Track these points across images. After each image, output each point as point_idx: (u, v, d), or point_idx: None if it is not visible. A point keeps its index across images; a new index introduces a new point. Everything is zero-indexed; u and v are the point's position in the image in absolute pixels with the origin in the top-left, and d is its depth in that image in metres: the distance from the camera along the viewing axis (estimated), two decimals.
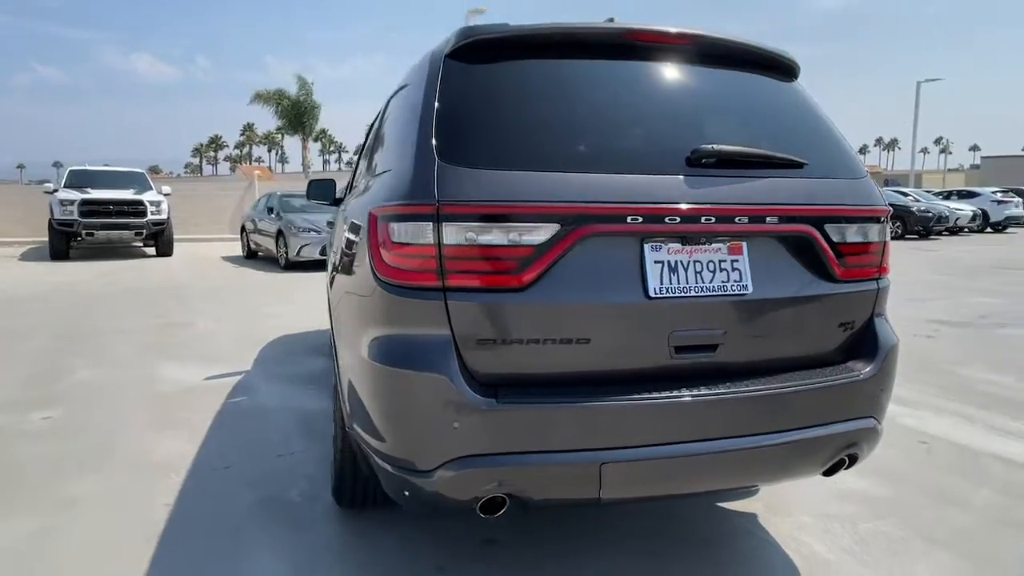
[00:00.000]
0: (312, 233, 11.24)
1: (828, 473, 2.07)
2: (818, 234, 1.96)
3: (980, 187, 27.22)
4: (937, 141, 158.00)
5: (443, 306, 1.73)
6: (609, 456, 1.75)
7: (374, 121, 3.77)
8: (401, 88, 2.56)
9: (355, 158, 4.22)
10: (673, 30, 2.04)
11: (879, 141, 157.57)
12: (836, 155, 2.11)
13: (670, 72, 2.08)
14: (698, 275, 1.84)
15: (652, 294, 1.79)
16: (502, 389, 1.74)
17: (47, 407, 3.93)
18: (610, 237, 1.78)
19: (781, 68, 2.25)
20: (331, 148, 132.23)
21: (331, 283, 2.55)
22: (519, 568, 2.28)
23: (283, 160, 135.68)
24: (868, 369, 2.02)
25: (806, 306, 1.99)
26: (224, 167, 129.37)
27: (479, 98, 1.92)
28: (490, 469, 1.73)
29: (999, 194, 23.90)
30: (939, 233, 20.63)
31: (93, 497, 2.76)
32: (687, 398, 1.79)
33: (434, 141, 1.80)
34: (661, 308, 1.81)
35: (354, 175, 3.88)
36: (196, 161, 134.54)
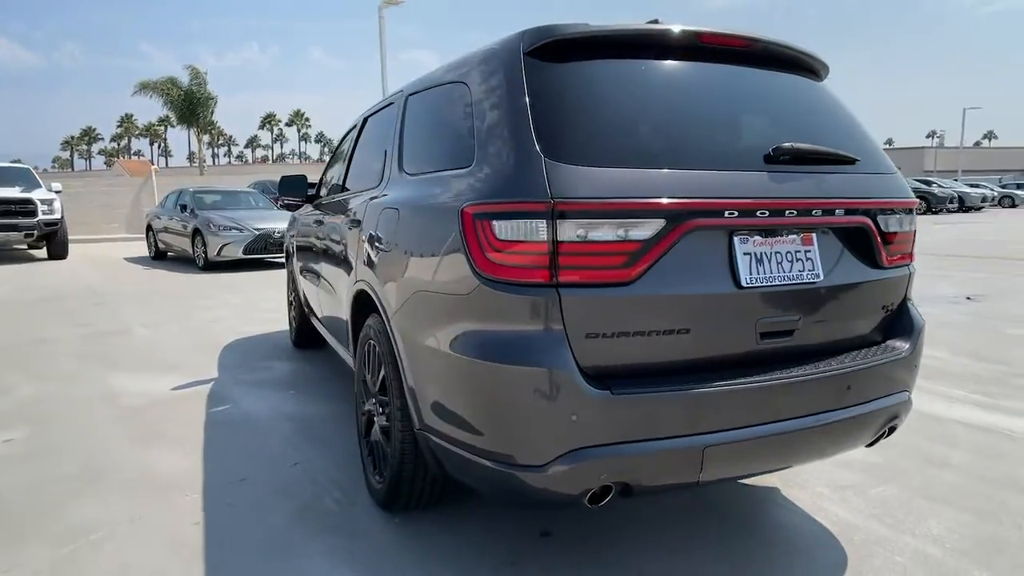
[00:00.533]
0: (234, 231, 10.71)
1: (871, 444, 2.27)
2: (872, 224, 2.14)
3: None
4: None
5: (556, 301, 1.75)
6: (710, 440, 1.84)
7: (363, 122, 3.68)
8: (437, 86, 2.53)
9: (347, 158, 4.06)
10: (742, 34, 2.15)
11: None
12: (872, 152, 2.30)
13: (738, 72, 2.19)
14: (779, 265, 1.97)
15: (744, 284, 1.90)
16: (611, 380, 1.79)
17: (2, 428, 3.55)
18: (707, 231, 1.87)
19: (816, 70, 2.42)
20: (220, 141, 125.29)
21: (379, 284, 2.45)
22: (584, 557, 2.32)
23: (166, 154, 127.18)
24: (907, 347, 2.23)
25: (860, 290, 2.17)
26: (99, 161, 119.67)
27: (573, 96, 1.94)
28: (603, 460, 1.77)
29: None
30: None
31: (106, 521, 2.54)
32: (773, 381, 1.91)
33: (537, 139, 1.81)
34: (751, 297, 1.92)
35: (346, 174, 3.75)
36: (66, 155, 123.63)
